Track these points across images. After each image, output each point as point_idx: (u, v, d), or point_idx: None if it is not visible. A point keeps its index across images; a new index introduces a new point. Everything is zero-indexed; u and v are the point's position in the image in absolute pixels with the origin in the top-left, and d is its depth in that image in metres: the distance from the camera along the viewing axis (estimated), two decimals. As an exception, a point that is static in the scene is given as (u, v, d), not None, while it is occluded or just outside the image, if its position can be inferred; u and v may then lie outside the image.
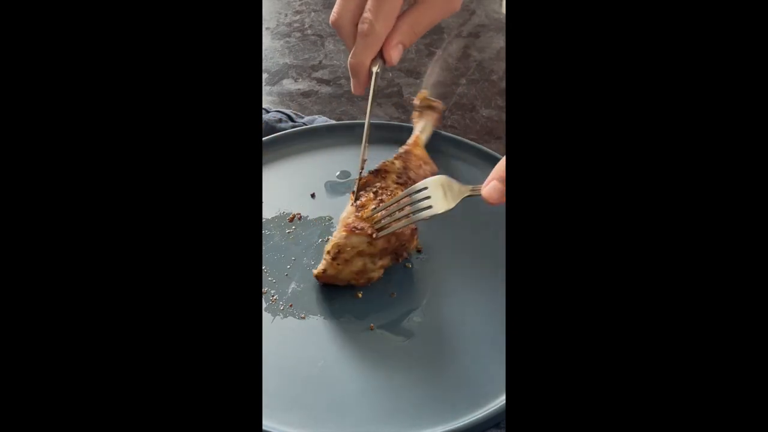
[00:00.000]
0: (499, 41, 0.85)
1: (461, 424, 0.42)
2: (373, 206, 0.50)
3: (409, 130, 0.62)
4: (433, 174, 0.55)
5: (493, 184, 0.45)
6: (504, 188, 0.45)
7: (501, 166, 0.46)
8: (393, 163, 0.54)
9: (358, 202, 0.51)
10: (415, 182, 0.52)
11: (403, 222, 0.48)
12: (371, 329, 0.48)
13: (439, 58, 0.59)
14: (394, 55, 0.54)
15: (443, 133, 0.65)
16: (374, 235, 0.48)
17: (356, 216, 0.50)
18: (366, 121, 0.54)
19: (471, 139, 0.65)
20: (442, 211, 0.47)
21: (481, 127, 0.73)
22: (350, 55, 0.54)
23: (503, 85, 0.78)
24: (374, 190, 0.52)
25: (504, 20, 0.89)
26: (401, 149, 0.57)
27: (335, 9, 0.54)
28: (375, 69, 0.53)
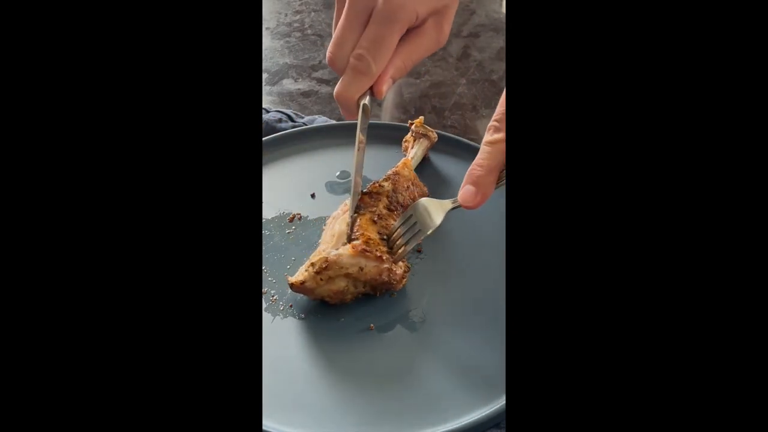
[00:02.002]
0: (499, 41, 0.85)
1: (461, 424, 0.42)
2: (375, 233, 0.50)
3: (408, 130, 0.63)
4: (422, 195, 0.57)
5: (466, 188, 0.47)
6: (475, 189, 0.46)
7: (470, 171, 0.47)
8: (382, 185, 0.54)
9: (356, 230, 0.50)
10: (403, 206, 0.54)
11: (404, 250, 0.50)
12: (371, 329, 0.48)
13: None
14: (385, 90, 0.54)
15: (443, 133, 0.65)
16: (384, 257, 0.48)
17: (359, 239, 0.49)
18: (354, 154, 0.54)
19: (471, 139, 0.65)
20: (429, 231, 0.49)
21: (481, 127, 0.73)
22: (338, 85, 0.54)
23: (503, 85, 0.78)
24: (368, 215, 0.52)
25: (504, 20, 0.89)
26: (390, 171, 0.57)
27: (331, 47, 0.53)
28: (363, 101, 0.53)
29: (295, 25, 0.89)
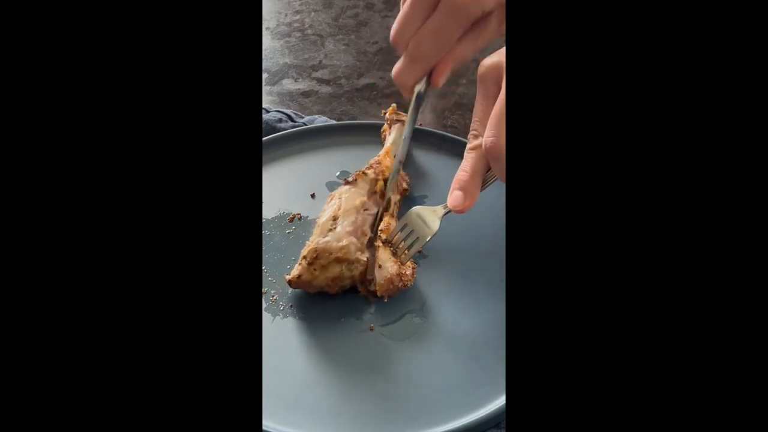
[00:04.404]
0: (500, 41, 0.85)
1: (461, 424, 0.42)
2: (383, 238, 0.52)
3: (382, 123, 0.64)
4: (404, 182, 0.58)
5: (455, 194, 0.48)
6: (463, 194, 0.47)
7: (456, 177, 0.48)
8: (365, 173, 0.55)
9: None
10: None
11: (406, 255, 0.51)
12: (371, 329, 0.48)
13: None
14: (442, 81, 0.53)
15: (443, 133, 0.65)
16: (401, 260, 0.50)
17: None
18: (399, 141, 0.56)
19: (471, 139, 0.65)
20: (429, 238, 0.50)
21: (481, 127, 0.73)
22: (395, 67, 0.53)
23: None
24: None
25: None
26: (373, 159, 0.57)
27: (396, 27, 0.52)
28: (418, 88, 0.53)
29: (295, 25, 0.89)
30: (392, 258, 0.50)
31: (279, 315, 0.49)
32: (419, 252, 0.54)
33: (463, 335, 0.48)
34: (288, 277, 0.49)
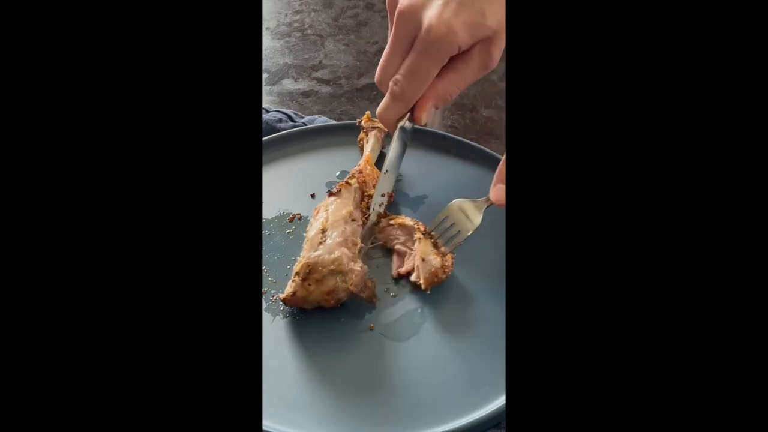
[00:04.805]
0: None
1: (461, 424, 0.42)
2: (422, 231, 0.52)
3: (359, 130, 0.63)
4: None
5: (498, 187, 0.49)
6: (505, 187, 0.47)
7: (502, 167, 0.47)
8: (349, 183, 0.54)
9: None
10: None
11: (446, 249, 0.51)
12: (371, 329, 0.48)
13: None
14: (424, 117, 0.53)
15: (443, 133, 0.65)
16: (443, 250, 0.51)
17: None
18: (381, 175, 0.55)
19: (471, 139, 0.65)
20: (471, 231, 0.51)
21: (481, 127, 0.73)
22: (379, 106, 0.54)
23: (503, 85, 0.78)
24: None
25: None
26: (354, 169, 0.57)
27: (379, 68, 0.53)
28: (401, 124, 0.54)
29: (295, 25, 0.89)
30: (434, 250, 0.50)
31: (279, 315, 0.49)
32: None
33: (463, 335, 0.48)
34: (281, 296, 0.48)
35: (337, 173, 0.61)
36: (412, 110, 0.53)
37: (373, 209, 0.54)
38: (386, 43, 0.53)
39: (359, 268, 0.49)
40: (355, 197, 0.54)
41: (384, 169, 0.55)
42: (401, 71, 0.51)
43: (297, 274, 0.48)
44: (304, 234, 0.55)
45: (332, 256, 0.48)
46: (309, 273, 0.47)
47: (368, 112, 0.63)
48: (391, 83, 0.52)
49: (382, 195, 0.55)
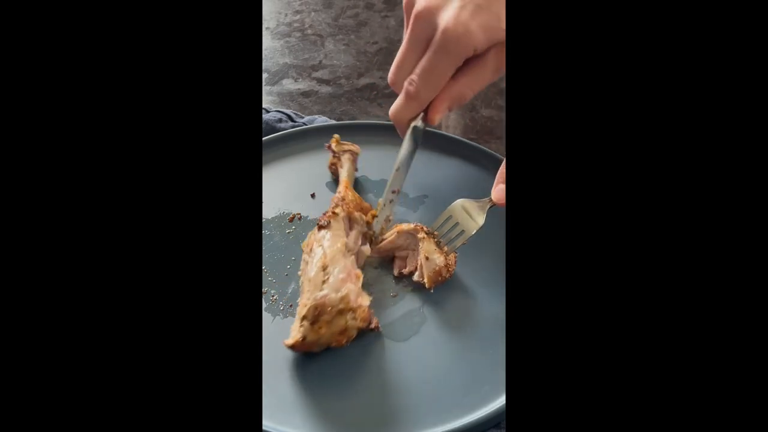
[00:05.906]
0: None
1: (461, 424, 0.42)
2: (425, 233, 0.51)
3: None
4: (369, 211, 0.56)
5: (500, 187, 0.49)
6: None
7: (501, 170, 0.47)
8: (335, 213, 0.52)
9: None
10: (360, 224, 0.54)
11: (450, 249, 0.51)
12: (372, 329, 0.48)
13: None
14: (438, 118, 0.53)
15: (443, 133, 0.65)
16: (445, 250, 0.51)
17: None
18: (389, 181, 0.54)
19: (471, 139, 0.65)
20: (474, 231, 0.51)
21: (481, 127, 0.73)
22: (392, 106, 0.54)
23: (503, 85, 0.78)
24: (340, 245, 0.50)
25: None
26: (334, 199, 0.54)
27: (393, 69, 0.53)
28: (414, 124, 0.53)
29: (295, 25, 0.89)
30: (437, 249, 0.50)
31: (279, 315, 0.49)
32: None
33: (463, 335, 0.48)
34: (289, 342, 0.45)
35: (337, 173, 0.61)
36: (425, 111, 0.53)
37: (384, 205, 0.54)
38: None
39: (366, 303, 0.47)
40: (345, 227, 0.51)
41: (396, 166, 0.54)
42: (416, 71, 0.51)
43: (304, 317, 0.45)
44: (304, 234, 0.55)
45: (340, 294, 0.45)
46: (318, 315, 0.44)
47: (336, 136, 0.61)
48: (405, 83, 0.52)
49: (393, 192, 0.54)
